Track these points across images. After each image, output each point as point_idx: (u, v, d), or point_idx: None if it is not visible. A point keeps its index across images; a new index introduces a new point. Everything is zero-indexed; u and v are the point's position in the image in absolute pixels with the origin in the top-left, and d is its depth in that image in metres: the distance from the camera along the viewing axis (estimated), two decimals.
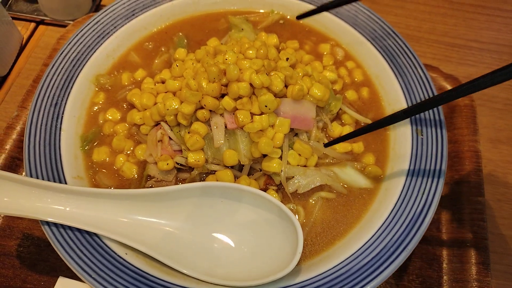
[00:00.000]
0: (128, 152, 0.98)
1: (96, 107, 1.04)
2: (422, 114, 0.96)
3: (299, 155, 0.93)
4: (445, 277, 0.96)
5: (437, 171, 0.87)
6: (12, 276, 0.93)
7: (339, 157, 0.98)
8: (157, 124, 0.95)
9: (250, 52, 0.94)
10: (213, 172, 0.91)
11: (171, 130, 0.93)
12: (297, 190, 0.91)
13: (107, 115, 1.02)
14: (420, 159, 0.90)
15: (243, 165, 0.92)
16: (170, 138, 0.92)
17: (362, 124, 1.02)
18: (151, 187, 0.90)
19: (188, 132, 0.89)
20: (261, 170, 0.92)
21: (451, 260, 0.98)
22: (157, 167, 0.90)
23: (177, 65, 1.00)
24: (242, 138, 0.89)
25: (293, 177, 0.91)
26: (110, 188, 0.92)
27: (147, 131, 0.97)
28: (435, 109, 0.97)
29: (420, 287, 0.95)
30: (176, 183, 0.92)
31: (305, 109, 0.93)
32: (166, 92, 0.98)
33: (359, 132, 0.91)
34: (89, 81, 1.04)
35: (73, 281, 0.89)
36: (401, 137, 0.97)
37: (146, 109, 0.97)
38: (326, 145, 0.96)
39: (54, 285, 0.90)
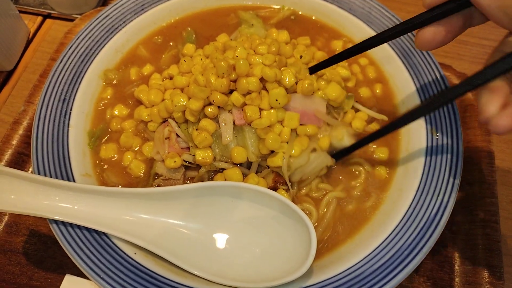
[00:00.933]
0: (136, 149, 0.96)
1: (104, 103, 1.02)
2: (437, 114, 0.95)
3: (306, 136, 0.91)
4: (457, 279, 0.94)
5: (452, 172, 0.85)
6: (18, 273, 0.93)
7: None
8: (165, 121, 0.94)
9: (261, 48, 0.92)
10: (221, 170, 0.90)
11: (179, 127, 0.91)
12: (301, 178, 0.90)
13: (114, 111, 1.01)
14: (435, 159, 0.88)
15: (251, 163, 0.91)
16: (177, 135, 0.91)
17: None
18: (159, 185, 0.89)
19: (196, 129, 0.88)
20: (268, 167, 0.90)
21: (463, 262, 0.96)
22: (164, 165, 0.89)
23: (185, 61, 0.98)
24: (250, 135, 0.88)
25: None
26: (118, 186, 0.91)
27: (154, 128, 0.95)
28: (450, 108, 0.95)
29: None
30: (184, 181, 0.91)
31: (316, 105, 0.91)
32: (174, 89, 0.96)
33: (370, 138, 0.88)
34: (98, 76, 1.03)
35: (80, 279, 0.89)
36: (415, 137, 0.95)
37: (153, 106, 0.95)
38: (334, 156, 0.93)
39: (61, 282, 0.89)
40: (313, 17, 1.18)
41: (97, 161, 0.94)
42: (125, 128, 0.99)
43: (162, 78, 1.04)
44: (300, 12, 1.19)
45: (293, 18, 1.18)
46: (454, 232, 1.00)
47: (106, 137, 0.98)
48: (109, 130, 0.99)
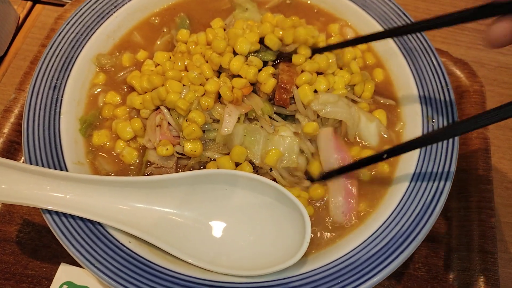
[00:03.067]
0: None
1: (96, 89, 1.00)
2: (433, 100, 0.94)
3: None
4: (451, 265, 0.95)
5: (448, 159, 0.85)
6: (13, 262, 0.92)
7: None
8: (157, 108, 0.92)
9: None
10: (213, 159, 0.88)
11: (171, 115, 0.89)
12: (318, 110, 0.89)
13: (107, 98, 0.99)
14: (430, 146, 0.87)
15: None
16: (169, 124, 0.89)
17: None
18: (151, 173, 0.88)
19: (186, 120, 0.86)
20: None
21: (457, 249, 0.97)
22: (156, 152, 0.87)
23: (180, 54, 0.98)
24: (262, 140, 0.86)
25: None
26: (111, 174, 0.90)
27: (147, 115, 0.93)
28: (446, 93, 0.94)
29: (426, 275, 0.94)
30: (176, 170, 0.89)
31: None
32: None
33: (364, 162, 0.85)
34: (90, 60, 1.01)
35: (75, 267, 0.88)
36: (411, 123, 0.94)
37: (146, 92, 0.93)
38: (323, 178, 0.90)
39: (56, 271, 0.89)
40: (309, 2, 1.15)
41: (89, 148, 0.93)
42: (118, 115, 0.97)
43: (155, 64, 1.01)
44: None
45: (289, 2, 1.16)
46: (449, 218, 1.01)
47: (98, 124, 0.96)
48: (100, 117, 0.97)
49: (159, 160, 0.88)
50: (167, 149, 0.86)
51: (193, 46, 0.99)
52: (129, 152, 0.92)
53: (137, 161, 0.92)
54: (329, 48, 0.98)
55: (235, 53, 0.94)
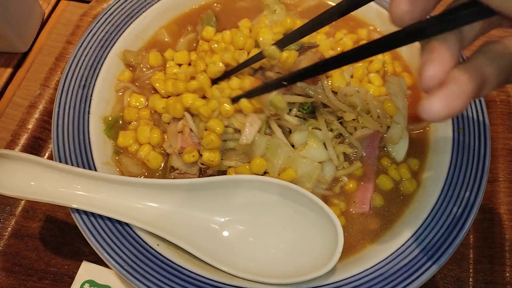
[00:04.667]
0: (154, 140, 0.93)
1: (121, 88, 1.00)
2: (464, 112, 0.93)
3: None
4: (474, 277, 0.94)
5: (479, 171, 0.84)
6: (36, 259, 0.93)
7: None
8: None
9: None
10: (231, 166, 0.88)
11: (193, 121, 0.89)
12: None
13: (131, 100, 0.98)
14: (461, 158, 0.86)
15: None
16: (191, 130, 0.88)
17: None
18: (176, 178, 0.87)
19: (206, 129, 0.86)
20: None
21: (480, 261, 0.96)
22: (181, 159, 0.87)
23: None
24: (283, 155, 0.84)
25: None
26: (139, 177, 0.89)
27: (168, 119, 0.93)
28: (478, 106, 0.93)
29: (449, 287, 0.93)
30: (199, 176, 0.88)
31: None
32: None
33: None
34: (117, 55, 1.00)
35: (97, 266, 0.88)
36: (439, 135, 0.93)
37: (169, 96, 0.93)
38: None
39: (78, 269, 0.89)
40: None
41: (116, 149, 0.93)
42: (142, 117, 0.96)
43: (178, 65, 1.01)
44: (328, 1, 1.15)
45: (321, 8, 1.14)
46: (473, 230, 0.99)
47: (122, 125, 0.96)
48: (123, 119, 0.96)
49: (183, 166, 0.87)
50: (193, 156, 0.85)
51: (215, 45, 0.98)
52: (154, 157, 0.90)
53: (162, 165, 0.91)
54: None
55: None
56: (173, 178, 0.87)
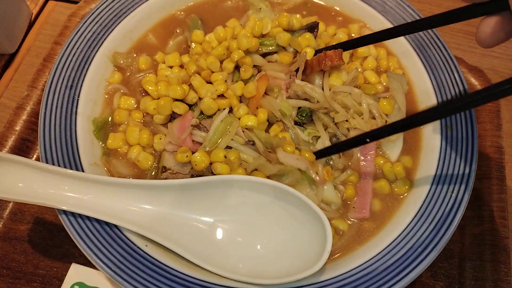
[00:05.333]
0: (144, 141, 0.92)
1: (111, 89, 0.99)
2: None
3: None
4: (464, 274, 0.94)
5: (467, 169, 0.85)
6: (24, 262, 0.92)
7: None
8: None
9: None
10: None
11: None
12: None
13: (121, 103, 0.97)
14: (449, 156, 0.87)
15: None
16: (193, 128, 0.89)
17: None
18: (168, 178, 0.87)
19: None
20: None
21: (470, 258, 0.96)
22: (174, 158, 0.86)
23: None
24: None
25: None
26: (127, 177, 0.88)
27: (161, 121, 0.93)
28: None
29: (439, 284, 0.94)
30: (191, 177, 0.87)
31: None
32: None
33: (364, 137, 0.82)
34: (106, 58, 1.00)
35: (87, 268, 0.87)
36: (429, 133, 0.93)
37: (160, 98, 0.92)
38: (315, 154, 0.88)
39: (67, 271, 0.88)
40: (327, 5, 1.15)
41: (105, 150, 0.92)
42: (133, 118, 0.95)
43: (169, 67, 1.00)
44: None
45: (309, 6, 1.15)
46: (462, 227, 1.00)
47: (112, 127, 0.95)
48: (113, 121, 0.96)
49: (175, 166, 0.86)
50: (186, 156, 0.84)
51: (211, 45, 0.99)
52: (145, 158, 0.90)
53: (155, 164, 0.90)
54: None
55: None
56: (165, 178, 0.86)
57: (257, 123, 0.87)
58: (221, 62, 0.96)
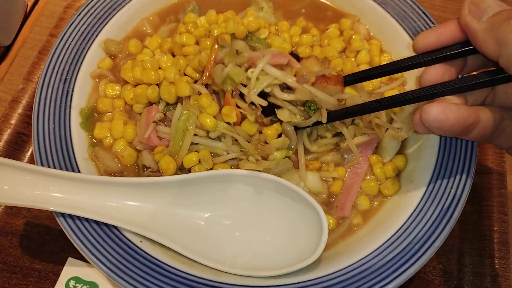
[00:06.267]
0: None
1: (98, 75, 0.97)
2: None
3: None
4: (463, 269, 0.94)
5: (467, 164, 0.83)
6: (20, 256, 0.91)
7: None
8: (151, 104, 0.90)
9: None
10: None
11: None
12: None
13: (106, 90, 0.94)
14: (448, 151, 0.85)
15: None
16: (157, 124, 0.85)
17: None
18: (149, 176, 0.84)
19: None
20: None
21: (469, 253, 0.95)
22: (151, 157, 0.84)
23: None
24: None
25: None
26: (115, 174, 0.88)
27: (140, 109, 0.91)
28: None
29: (438, 279, 0.93)
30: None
31: None
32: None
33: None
34: (98, 44, 0.98)
35: (83, 262, 0.88)
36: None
37: (139, 85, 0.90)
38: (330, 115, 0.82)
39: (63, 265, 0.88)
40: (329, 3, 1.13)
41: (92, 142, 0.91)
42: (115, 108, 0.93)
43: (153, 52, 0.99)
44: None
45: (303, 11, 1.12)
46: (462, 222, 0.99)
47: (98, 117, 0.94)
48: (97, 110, 0.93)
49: (154, 164, 0.84)
50: (164, 155, 0.82)
51: (191, 28, 0.97)
52: (129, 154, 0.88)
53: (135, 163, 0.89)
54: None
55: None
56: (146, 177, 0.84)
57: (214, 125, 0.81)
58: None
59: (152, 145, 0.85)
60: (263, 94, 0.81)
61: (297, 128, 0.84)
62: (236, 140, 0.82)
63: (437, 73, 0.70)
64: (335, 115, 0.81)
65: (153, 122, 0.85)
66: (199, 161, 0.81)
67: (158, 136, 0.85)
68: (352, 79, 0.84)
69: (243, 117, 0.81)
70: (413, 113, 0.85)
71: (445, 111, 0.64)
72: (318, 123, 0.82)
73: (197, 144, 0.83)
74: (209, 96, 0.83)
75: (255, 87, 0.79)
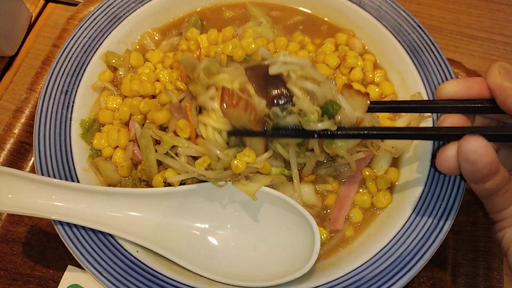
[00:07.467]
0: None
1: (99, 87, 0.99)
2: None
3: None
4: (456, 280, 0.94)
5: (458, 178, 0.84)
6: (21, 263, 0.93)
7: None
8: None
9: None
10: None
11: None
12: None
13: (108, 101, 0.96)
14: None
15: None
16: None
17: None
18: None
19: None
20: None
21: (463, 264, 0.96)
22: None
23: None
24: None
25: None
26: (115, 181, 0.90)
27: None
28: None
29: None
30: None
31: None
32: None
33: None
34: (99, 57, 1.00)
35: (82, 270, 0.90)
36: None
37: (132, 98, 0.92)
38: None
39: (63, 273, 0.90)
40: (326, 19, 1.14)
41: (92, 153, 0.92)
42: (116, 120, 0.95)
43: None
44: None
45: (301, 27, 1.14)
46: (456, 233, 1.00)
47: (99, 128, 0.95)
48: (98, 121, 0.95)
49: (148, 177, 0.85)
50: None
51: (192, 47, 0.99)
52: (129, 166, 0.89)
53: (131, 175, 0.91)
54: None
55: None
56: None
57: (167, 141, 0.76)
58: None
59: (138, 160, 0.86)
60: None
61: (289, 136, 0.78)
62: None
63: (456, 122, 0.73)
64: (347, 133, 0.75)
65: (129, 141, 0.87)
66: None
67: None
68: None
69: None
70: None
71: (487, 146, 0.62)
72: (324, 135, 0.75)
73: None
74: (164, 111, 0.80)
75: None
